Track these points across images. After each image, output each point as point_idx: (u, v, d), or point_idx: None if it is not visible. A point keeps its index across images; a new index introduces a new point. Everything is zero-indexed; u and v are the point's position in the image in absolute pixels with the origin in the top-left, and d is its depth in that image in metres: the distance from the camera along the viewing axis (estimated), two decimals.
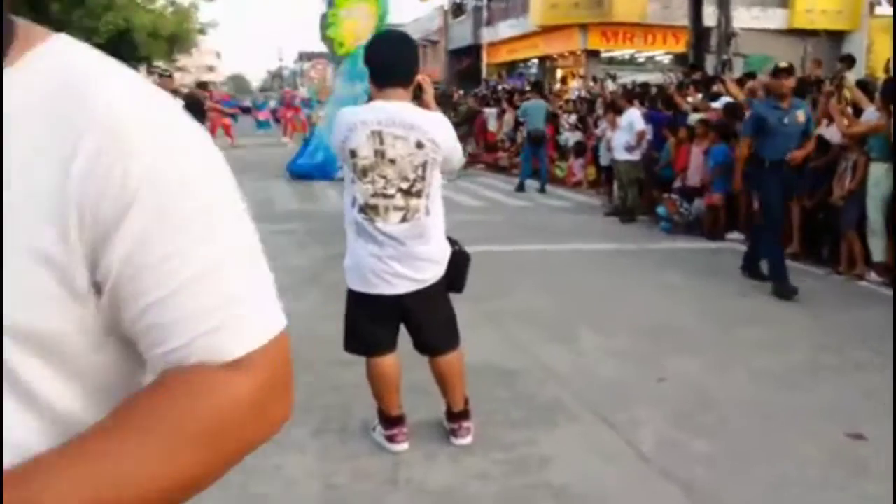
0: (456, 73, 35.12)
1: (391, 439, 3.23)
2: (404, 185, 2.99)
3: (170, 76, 12.26)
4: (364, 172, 2.99)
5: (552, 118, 14.54)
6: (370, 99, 3.22)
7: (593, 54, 26.67)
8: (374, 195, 2.99)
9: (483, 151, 17.51)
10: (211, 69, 62.91)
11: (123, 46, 24.90)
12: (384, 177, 2.98)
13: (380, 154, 2.97)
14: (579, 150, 14.33)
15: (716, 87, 10.45)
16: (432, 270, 3.11)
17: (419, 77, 3.11)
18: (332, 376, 4.11)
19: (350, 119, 3.01)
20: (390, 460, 3.15)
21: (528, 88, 17.06)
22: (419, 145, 2.97)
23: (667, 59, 27.86)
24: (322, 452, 3.23)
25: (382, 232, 3.01)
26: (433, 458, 3.18)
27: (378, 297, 3.07)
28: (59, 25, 11.82)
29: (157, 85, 0.76)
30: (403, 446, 3.22)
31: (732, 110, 8.38)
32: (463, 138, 16.11)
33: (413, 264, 3.05)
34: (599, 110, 14.13)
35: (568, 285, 6.23)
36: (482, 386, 3.38)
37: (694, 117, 9.74)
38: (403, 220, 3.01)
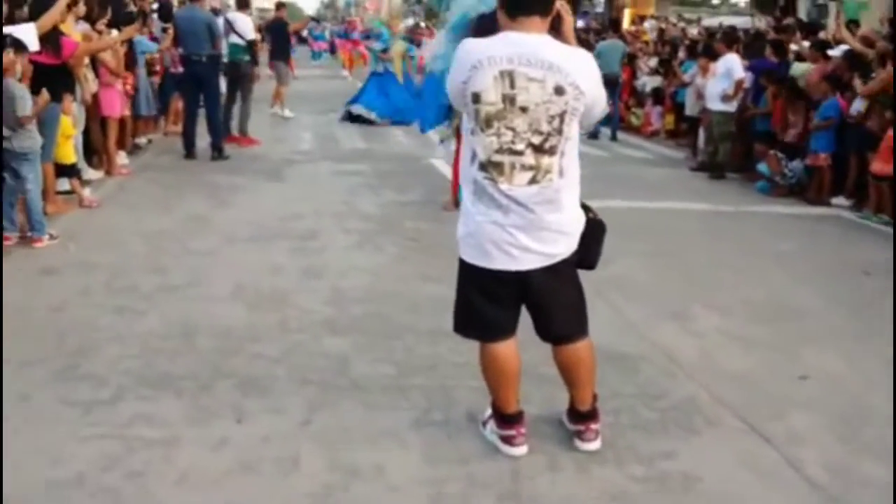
0: None
1: (507, 441, 2.76)
2: (536, 140, 2.45)
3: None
4: (488, 122, 2.44)
5: (630, 60, 13.63)
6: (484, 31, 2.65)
7: None
8: (499, 150, 2.46)
9: None
10: None
11: None
12: (512, 128, 2.44)
13: (508, 100, 2.41)
14: (658, 96, 13.46)
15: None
16: (564, 243, 2.59)
17: (558, 3, 2.53)
18: (426, 350, 3.66)
19: (475, 54, 2.45)
20: (507, 467, 2.69)
21: (597, 27, 16.17)
22: (558, 90, 2.41)
23: (742, 2, 26.39)
24: (427, 451, 2.78)
25: (507, 195, 2.48)
26: (557, 466, 2.71)
27: (499, 272, 2.57)
28: None
29: None
30: (522, 450, 2.75)
31: (856, 61, 7.51)
32: None
33: (541, 235, 2.53)
34: (681, 54, 13.21)
35: (669, 251, 5.64)
36: (600, 375, 2.89)
37: (800, 67, 8.87)
38: (532, 181, 2.48)
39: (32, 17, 5.74)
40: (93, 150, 7.64)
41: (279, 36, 12.62)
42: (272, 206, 6.62)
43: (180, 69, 9.24)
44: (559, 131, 2.45)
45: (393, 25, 12.45)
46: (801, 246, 6.04)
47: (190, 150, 8.70)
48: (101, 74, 7.38)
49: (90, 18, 7.19)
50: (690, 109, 10.44)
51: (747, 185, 8.48)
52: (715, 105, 8.91)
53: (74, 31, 6.63)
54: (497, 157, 2.45)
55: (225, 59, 9.58)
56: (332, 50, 30.93)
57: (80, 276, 4.62)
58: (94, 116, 7.47)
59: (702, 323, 4.19)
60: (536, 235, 2.51)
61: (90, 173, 7.29)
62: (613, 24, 13.19)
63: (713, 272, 5.15)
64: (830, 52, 8.44)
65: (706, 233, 6.38)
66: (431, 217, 6.38)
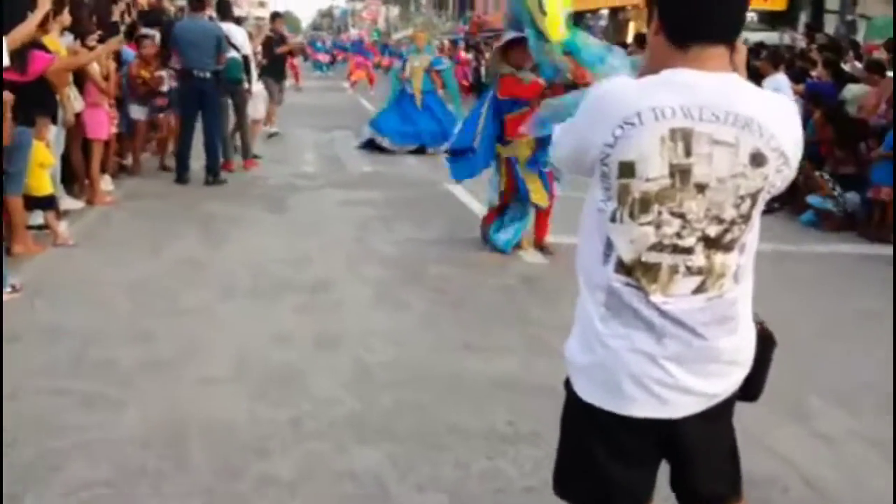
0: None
1: None
2: (713, 231, 1.61)
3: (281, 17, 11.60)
4: (644, 205, 1.59)
5: None
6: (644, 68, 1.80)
7: None
8: (657, 247, 1.61)
9: None
10: (262, 4, 61.12)
11: None
12: (681, 215, 1.59)
13: (680, 173, 1.57)
14: None
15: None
16: (735, 376, 1.76)
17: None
18: (484, 465, 2.82)
19: (628, 102, 1.59)
20: None
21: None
22: (756, 159, 1.57)
23: (752, 17, 25.77)
24: None
25: (661, 311, 1.63)
26: None
27: (638, 420, 1.73)
28: None
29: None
30: None
31: None
32: None
33: (708, 369, 1.69)
34: None
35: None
36: None
37: (852, 89, 8.11)
38: (699, 290, 1.64)
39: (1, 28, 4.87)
40: (73, 176, 6.81)
41: (272, 51, 10.76)
42: (275, 246, 5.78)
43: (173, 84, 8.40)
44: (746, 218, 1.62)
45: (419, 39, 11.24)
46: (888, 301, 5.22)
47: (183, 175, 7.86)
48: (87, 93, 6.55)
49: (79, 31, 6.35)
50: None
51: (793, 218, 7.66)
52: None
53: (59, 44, 5.80)
54: (651, 257, 1.61)
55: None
56: (333, 61, 30.22)
57: (43, 345, 3.77)
58: (77, 138, 6.64)
59: (827, 423, 3.34)
60: (702, 370, 1.68)
61: (69, 203, 6.45)
62: (638, 39, 12.38)
63: (811, 341, 4.31)
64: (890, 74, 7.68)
65: (779, 281, 5.54)
66: (458, 260, 5.56)
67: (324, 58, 28.99)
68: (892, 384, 3.61)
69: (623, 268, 1.64)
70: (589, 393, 1.77)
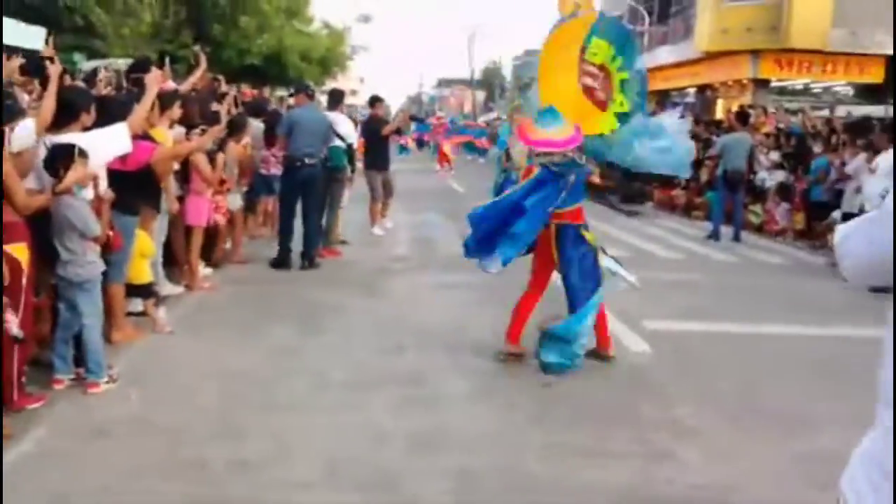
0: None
1: None
2: None
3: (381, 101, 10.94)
4: None
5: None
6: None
7: (762, 83, 24.38)
8: None
9: (656, 187, 15.44)
10: (354, 93, 63.75)
11: (274, 68, 24.75)
12: None
13: None
14: (785, 192, 12.13)
15: None
16: None
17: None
18: None
19: None
20: None
21: (693, 119, 14.85)
22: None
23: (847, 91, 24.96)
24: None
25: None
26: None
27: None
28: (217, 46, 10.92)
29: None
30: None
31: None
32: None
33: None
34: (816, 147, 11.90)
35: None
36: None
37: None
38: None
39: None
40: (174, 261, 6.90)
41: (375, 138, 10.03)
42: (369, 334, 5.61)
43: (273, 171, 8.55)
44: None
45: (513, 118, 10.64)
46: None
47: (284, 262, 7.82)
48: (191, 180, 6.70)
49: (188, 124, 6.51)
50: (847, 206, 8.99)
51: None
52: (873, 207, 7.55)
53: (166, 135, 5.95)
54: None
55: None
56: (420, 144, 30.81)
57: (135, 442, 3.63)
58: (178, 226, 6.75)
59: None
60: None
61: (168, 288, 6.51)
62: (741, 117, 11.96)
63: None
64: None
65: None
66: None
67: (407, 141, 29.58)
68: None
69: None
70: None
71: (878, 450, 1.33)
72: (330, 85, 33.45)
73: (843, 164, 9.72)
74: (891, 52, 21.44)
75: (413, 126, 33.28)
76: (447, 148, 19.26)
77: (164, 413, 3.98)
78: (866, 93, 23.28)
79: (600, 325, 5.03)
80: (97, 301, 4.34)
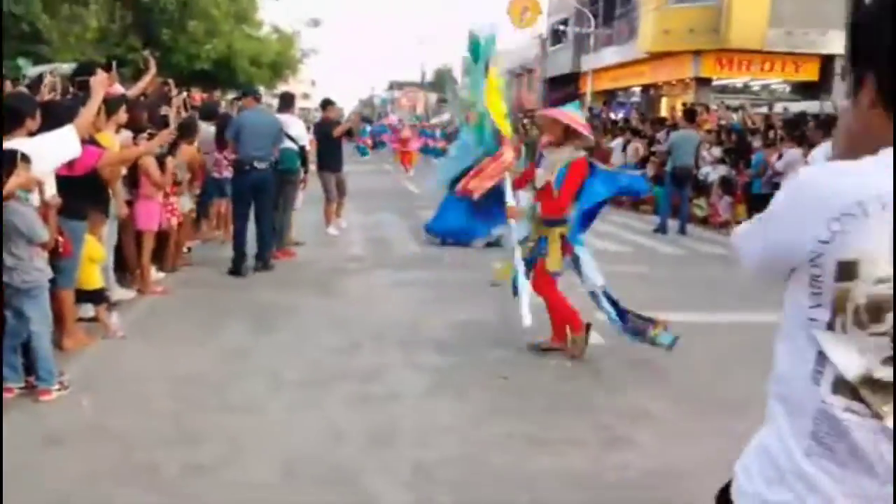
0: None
1: None
2: None
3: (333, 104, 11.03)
4: (875, 312, 1.31)
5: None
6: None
7: (704, 82, 25.20)
8: (889, 360, 1.33)
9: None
10: (306, 96, 63.28)
11: (224, 72, 24.51)
12: None
13: None
14: (727, 186, 12.49)
15: None
16: None
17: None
18: None
19: (846, 189, 1.30)
20: None
21: (639, 117, 15.26)
22: None
23: (784, 88, 25.77)
24: None
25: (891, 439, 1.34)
26: None
27: None
28: (166, 50, 10.84)
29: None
30: None
31: None
32: None
33: None
34: (756, 142, 12.28)
35: None
36: None
37: None
38: None
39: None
40: (125, 266, 6.81)
41: (328, 140, 10.10)
42: (324, 333, 5.62)
43: (225, 174, 8.48)
44: None
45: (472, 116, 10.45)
46: None
47: (239, 268, 7.71)
48: (141, 185, 6.61)
49: (135, 128, 6.42)
50: None
51: None
52: None
53: (113, 140, 5.87)
54: (883, 374, 1.32)
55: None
56: (374, 145, 30.81)
57: (88, 449, 3.60)
58: (129, 230, 6.67)
59: None
60: None
61: (120, 293, 6.42)
62: (688, 115, 12.26)
63: None
64: None
65: None
66: (518, 343, 5.31)
67: (365, 141, 29.63)
68: None
69: (844, 388, 1.35)
70: None
71: (775, 449, 1.41)
72: (282, 88, 33.14)
73: (780, 157, 10.07)
74: (824, 51, 22.33)
75: (368, 128, 33.17)
76: (414, 150, 19.41)
77: (118, 419, 3.94)
78: (802, 90, 24.16)
79: (557, 319, 5.17)
80: (45, 307, 4.27)
